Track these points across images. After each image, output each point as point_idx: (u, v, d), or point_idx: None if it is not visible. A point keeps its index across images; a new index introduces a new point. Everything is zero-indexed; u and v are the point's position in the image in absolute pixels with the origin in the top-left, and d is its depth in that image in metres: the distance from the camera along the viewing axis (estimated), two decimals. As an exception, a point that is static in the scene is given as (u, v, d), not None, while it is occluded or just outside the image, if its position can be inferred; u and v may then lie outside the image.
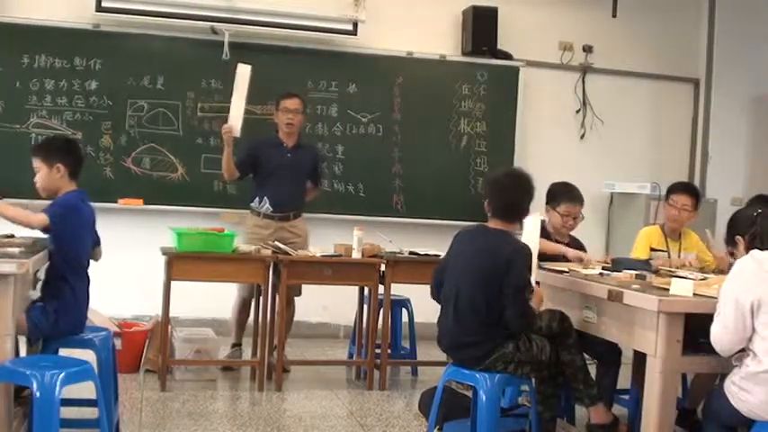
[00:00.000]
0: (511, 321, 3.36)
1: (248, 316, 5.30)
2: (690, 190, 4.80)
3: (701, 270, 4.36)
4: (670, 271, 4.02)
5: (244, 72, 5.12)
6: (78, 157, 3.70)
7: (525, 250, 3.41)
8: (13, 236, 3.79)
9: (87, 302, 3.64)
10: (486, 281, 3.36)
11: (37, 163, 3.59)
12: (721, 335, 3.02)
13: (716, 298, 3.11)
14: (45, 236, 3.58)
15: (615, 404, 4.20)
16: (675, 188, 4.80)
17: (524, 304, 3.38)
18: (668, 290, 3.29)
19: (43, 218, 3.40)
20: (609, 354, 4.04)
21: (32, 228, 3.42)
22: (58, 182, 3.59)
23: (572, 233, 4.52)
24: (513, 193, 3.50)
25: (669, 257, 4.61)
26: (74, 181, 3.63)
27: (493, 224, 3.51)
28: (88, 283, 3.63)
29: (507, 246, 3.40)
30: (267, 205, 5.22)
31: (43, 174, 3.59)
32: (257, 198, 5.27)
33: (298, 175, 5.31)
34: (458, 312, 3.44)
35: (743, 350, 3.02)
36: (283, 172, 5.20)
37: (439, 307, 3.64)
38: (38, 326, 3.38)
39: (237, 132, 5.09)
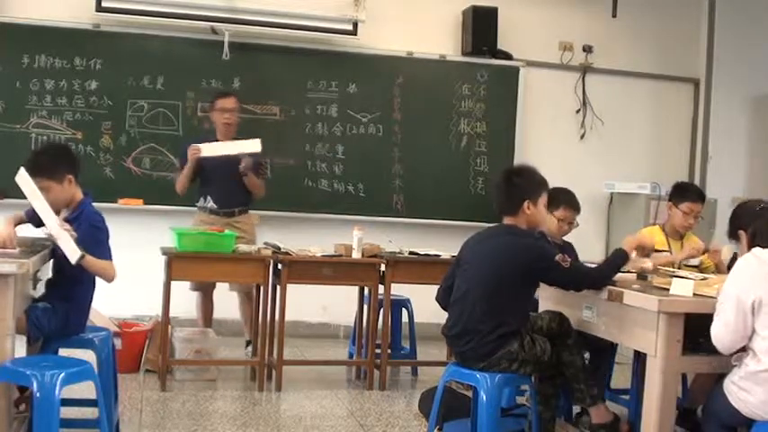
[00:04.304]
0: (584, 288, 3.50)
1: (210, 306, 5.40)
2: (702, 197, 4.59)
3: (702, 270, 4.35)
4: (670, 271, 4.02)
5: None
6: (76, 158, 3.66)
7: (532, 237, 3.56)
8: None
9: (90, 304, 3.64)
10: (501, 275, 3.42)
11: (43, 183, 3.35)
12: (722, 333, 3.01)
13: (716, 298, 3.11)
14: (44, 235, 3.53)
15: (615, 404, 4.20)
16: (689, 196, 4.50)
17: (570, 270, 3.45)
18: (668, 290, 3.29)
19: (114, 266, 3.45)
20: (599, 352, 4.06)
21: (110, 281, 3.47)
22: (72, 191, 3.51)
23: (564, 239, 4.50)
24: (499, 188, 3.62)
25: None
26: (78, 182, 3.58)
27: (504, 221, 3.61)
28: (95, 286, 3.61)
29: (517, 237, 3.51)
30: (212, 203, 5.29)
31: (57, 191, 3.42)
32: (201, 198, 5.33)
33: (238, 171, 5.23)
34: (471, 307, 3.45)
35: (743, 350, 3.02)
36: (223, 170, 5.20)
37: (438, 307, 3.66)
38: (38, 326, 3.36)
39: (203, 153, 5.18)
